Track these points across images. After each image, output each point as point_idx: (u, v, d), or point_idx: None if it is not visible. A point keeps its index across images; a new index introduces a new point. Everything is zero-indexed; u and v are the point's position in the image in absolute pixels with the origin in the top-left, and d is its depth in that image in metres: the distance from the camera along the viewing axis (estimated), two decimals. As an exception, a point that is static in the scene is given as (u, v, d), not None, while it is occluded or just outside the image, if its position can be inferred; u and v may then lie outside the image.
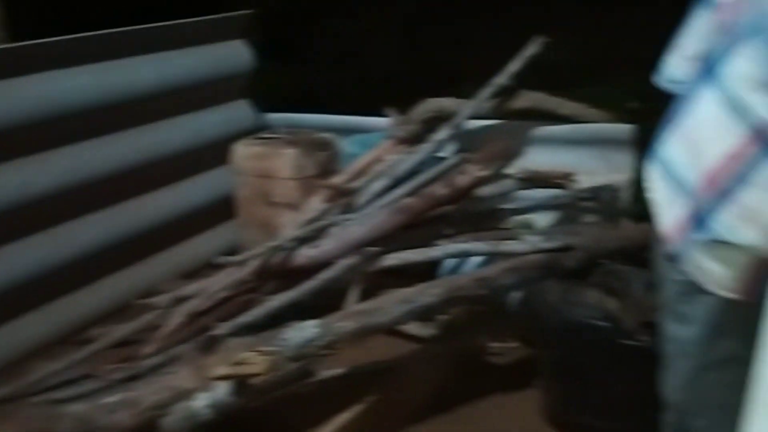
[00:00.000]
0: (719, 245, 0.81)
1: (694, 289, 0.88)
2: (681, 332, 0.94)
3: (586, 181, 2.01)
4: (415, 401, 1.78)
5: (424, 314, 1.65)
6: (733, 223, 0.79)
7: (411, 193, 1.74)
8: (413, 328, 1.86)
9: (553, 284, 1.79)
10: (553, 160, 2.07)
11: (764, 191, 0.61)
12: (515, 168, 2.05)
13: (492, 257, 1.87)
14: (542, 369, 1.82)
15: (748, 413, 0.62)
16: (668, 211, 0.88)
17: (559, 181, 2.03)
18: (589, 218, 2.02)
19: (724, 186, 0.78)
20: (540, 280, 1.81)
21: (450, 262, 2.03)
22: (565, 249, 1.81)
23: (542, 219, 2.08)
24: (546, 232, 1.89)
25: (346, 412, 1.60)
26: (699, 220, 0.83)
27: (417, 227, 1.76)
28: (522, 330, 1.94)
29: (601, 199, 1.97)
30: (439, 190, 1.71)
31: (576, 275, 1.79)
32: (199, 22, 2.30)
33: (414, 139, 2.00)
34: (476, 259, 1.97)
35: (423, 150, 1.92)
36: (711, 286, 0.85)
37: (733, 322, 0.82)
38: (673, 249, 0.88)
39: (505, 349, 1.98)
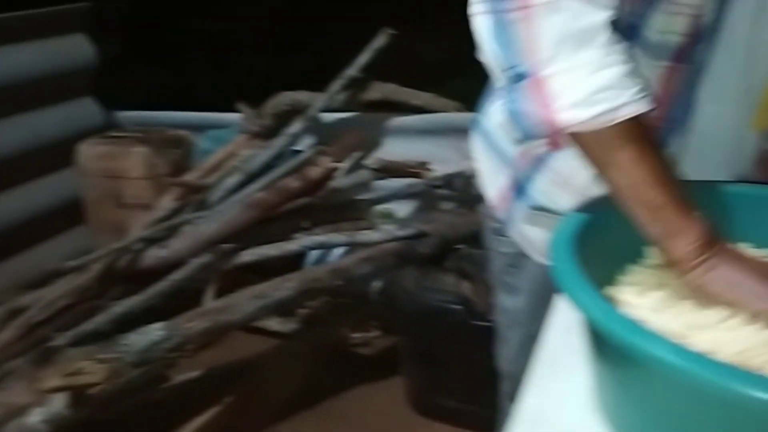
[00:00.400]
0: (538, 212, 0.84)
1: (519, 259, 0.91)
2: (510, 303, 0.96)
3: (440, 169, 2.05)
4: (278, 398, 1.75)
5: (279, 309, 1.63)
6: (549, 189, 0.82)
7: (265, 188, 1.71)
8: (274, 324, 1.83)
9: (410, 271, 1.82)
10: (407, 150, 2.10)
11: (573, 157, 0.64)
12: (371, 159, 2.07)
13: (351, 248, 1.88)
14: (404, 356, 1.85)
15: (531, 371, 0.65)
16: (492, 182, 0.90)
17: (414, 170, 2.07)
18: (445, 205, 2.06)
19: (538, 154, 0.81)
20: (397, 268, 1.84)
21: (315, 255, 2.03)
22: (420, 236, 1.84)
23: (400, 208, 2.11)
24: (402, 221, 1.92)
25: (202, 415, 1.55)
26: (519, 188, 0.85)
27: (272, 221, 1.73)
28: (383, 319, 1.96)
29: (454, 186, 2.01)
30: (292, 183, 1.69)
31: (432, 261, 1.83)
32: (34, 15, 2.16)
33: (268, 134, 1.96)
34: (340, 251, 1.98)
35: (277, 144, 1.89)
36: (534, 255, 0.88)
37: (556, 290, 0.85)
38: (498, 219, 0.90)
39: (368, 339, 1.99)
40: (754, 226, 0.67)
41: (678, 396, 0.47)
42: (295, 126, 1.92)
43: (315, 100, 1.98)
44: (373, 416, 1.81)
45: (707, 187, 0.69)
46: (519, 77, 0.60)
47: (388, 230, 1.86)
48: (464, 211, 2.10)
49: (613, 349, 0.50)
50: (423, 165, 2.07)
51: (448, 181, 2.03)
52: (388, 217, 2.08)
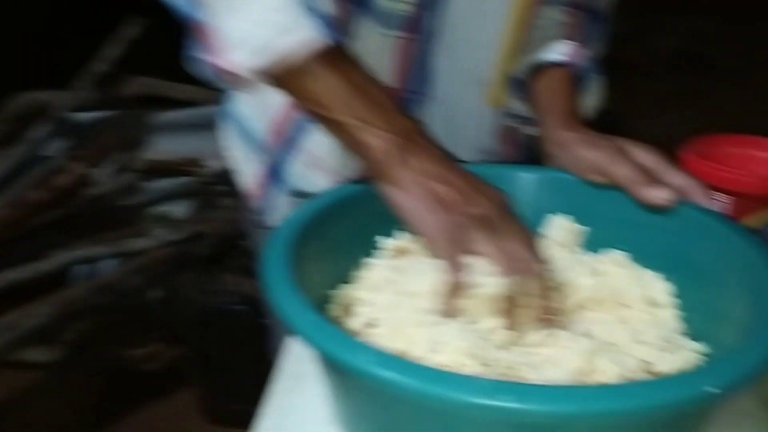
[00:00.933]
0: (298, 197, 0.81)
1: None
2: None
3: (214, 164, 1.95)
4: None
5: (37, 338, 1.45)
6: (304, 172, 0.78)
7: (2, 204, 1.50)
8: (35, 354, 1.63)
9: (190, 276, 1.72)
10: (177, 147, 1.97)
11: (324, 137, 0.61)
12: (136, 160, 1.91)
13: (121, 258, 1.73)
14: (192, 365, 1.76)
15: (272, 385, 0.61)
16: (247, 169, 0.84)
17: (185, 168, 1.94)
18: (223, 202, 1.97)
19: (289, 135, 0.76)
20: (175, 274, 1.73)
21: (83, 271, 1.84)
22: (196, 237, 1.74)
23: (176, 209, 1.98)
24: (177, 223, 1.79)
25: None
26: (275, 173, 0.81)
27: (16, 241, 1.53)
28: (166, 329, 1.84)
29: (231, 181, 1.92)
30: (34, 194, 1.50)
31: (212, 262, 1.74)
32: None
33: (6, 140, 1.73)
34: (111, 264, 1.81)
35: (18, 152, 1.67)
36: None
37: None
38: (257, 210, 0.85)
39: (151, 354, 1.86)
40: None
41: (394, 408, 0.44)
42: (39, 130, 1.71)
43: (60, 99, 1.77)
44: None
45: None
46: (194, 23, 0.58)
47: (161, 235, 1.73)
48: (243, 206, 2.02)
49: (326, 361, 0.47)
50: (195, 161, 1.96)
51: (224, 176, 1.93)
52: (164, 220, 1.94)
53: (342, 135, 0.59)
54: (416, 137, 0.58)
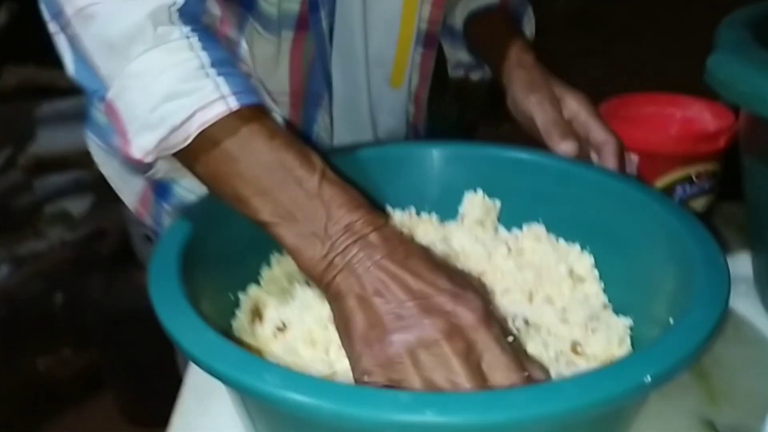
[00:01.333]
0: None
1: None
2: None
3: (111, 155, 1.83)
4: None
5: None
6: (194, 183, 0.70)
7: None
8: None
9: (95, 276, 1.62)
10: (69, 139, 1.83)
11: None
12: (24, 156, 1.77)
13: (17, 264, 1.60)
14: (107, 369, 1.67)
15: (180, 399, 0.55)
16: (126, 186, 0.76)
17: (79, 160, 1.81)
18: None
19: None
20: (78, 276, 1.62)
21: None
22: (97, 235, 1.63)
23: (72, 206, 1.85)
24: (73, 221, 1.68)
25: None
26: (160, 188, 0.72)
27: None
28: (74, 335, 1.73)
29: (131, 171, 1.81)
30: None
31: (118, 260, 1.64)
32: None
33: None
34: (6, 269, 1.68)
35: None
36: None
37: None
38: (148, 225, 0.77)
39: (61, 361, 1.75)
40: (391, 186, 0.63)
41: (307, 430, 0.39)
42: None
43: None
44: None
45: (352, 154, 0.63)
46: (104, 103, 0.47)
47: (59, 235, 1.61)
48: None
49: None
50: (89, 153, 1.83)
51: (124, 166, 1.82)
52: (61, 219, 1.81)
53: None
54: (365, 231, 0.43)
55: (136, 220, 0.79)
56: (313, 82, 0.69)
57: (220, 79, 0.44)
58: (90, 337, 1.65)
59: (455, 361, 0.38)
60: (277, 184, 0.44)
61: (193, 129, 0.43)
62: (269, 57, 0.65)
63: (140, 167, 0.48)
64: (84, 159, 1.92)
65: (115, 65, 0.45)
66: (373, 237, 0.43)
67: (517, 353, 0.40)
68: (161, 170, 0.49)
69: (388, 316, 0.40)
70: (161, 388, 1.56)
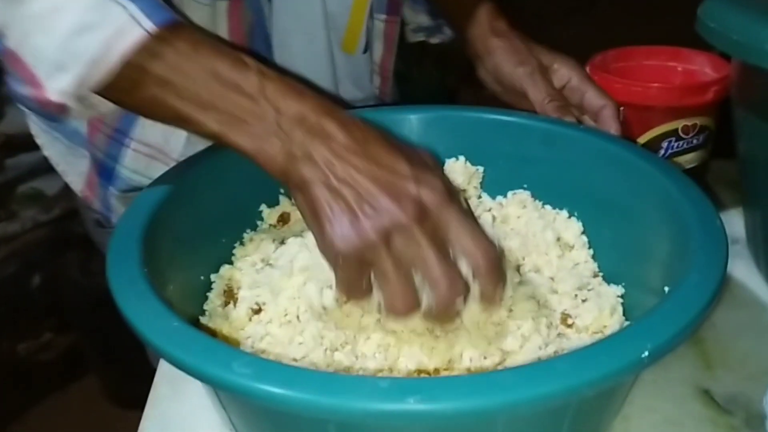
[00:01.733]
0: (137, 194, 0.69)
1: None
2: None
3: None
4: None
5: None
6: (142, 165, 0.67)
7: None
8: None
9: (71, 257, 1.58)
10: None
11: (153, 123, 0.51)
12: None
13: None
14: (89, 350, 1.64)
15: (154, 386, 0.53)
16: (71, 168, 0.71)
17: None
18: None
19: (114, 125, 0.65)
20: (55, 257, 1.58)
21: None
22: (72, 214, 1.59)
23: (45, 186, 1.80)
24: (47, 201, 1.63)
25: None
26: (105, 171, 0.68)
27: None
28: (54, 316, 1.70)
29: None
30: None
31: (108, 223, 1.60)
32: None
33: None
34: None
35: None
36: None
37: None
38: (95, 210, 0.73)
39: (43, 344, 1.72)
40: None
41: (282, 421, 0.37)
42: None
43: None
44: (68, 421, 1.60)
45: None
46: (5, 53, 0.44)
47: (33, 216, 1.57)
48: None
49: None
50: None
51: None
52: (34, 199, 1.76)
53: (207, 138, 0.44)
54: (318, 119, 0.42)
55: (86, 204, 0.75)
56: (253, 47, 0.65)
57: (128, 3, 0.41)
58: (70, 318, 1.62)
59: (425, 243, 0.38)
60: (216, 94, 0.42)
61: (113, 61, 0.41)
62: (206, 24, 0.62)
63: (58, 112, 0.44)
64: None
65: (8, 10, 0.42)
66: (328, 124, 0.41)
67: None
68: (74, 111, 0.45)
69: (357, 203, 0.39)
70: (145, 369, 1.55)
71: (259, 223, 0.57)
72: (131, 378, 1.64)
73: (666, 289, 0.41)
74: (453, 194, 0.41)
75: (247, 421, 0.40)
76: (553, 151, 0.56)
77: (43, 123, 0.70)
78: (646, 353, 0.33)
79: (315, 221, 0.40)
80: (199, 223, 0.51)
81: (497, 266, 0.39)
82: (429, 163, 0.42)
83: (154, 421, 0.49)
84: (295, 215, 0.57)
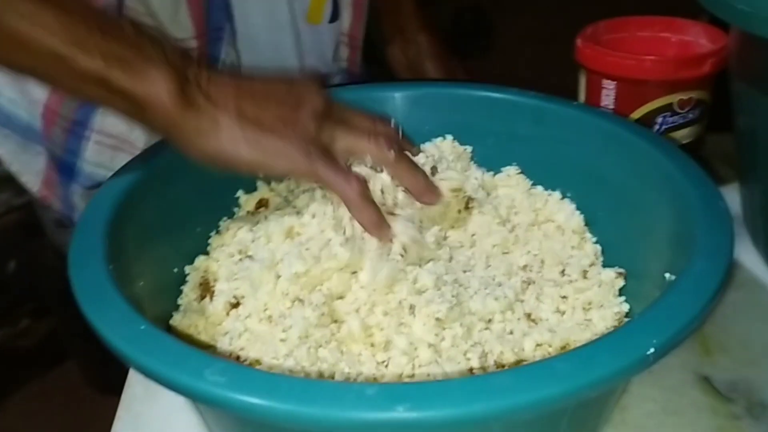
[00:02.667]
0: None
1: None
2: None
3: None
4: None
5: None
6: (105, 158, 0.63)
7: None
8: None
9: (45, 241, 1.54)
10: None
11: None
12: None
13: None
14: (68, 336, 1.61)
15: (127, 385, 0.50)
16: (25, 168, 0.67)
17: None
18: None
19: (71, 116, 0.61)
20: (29, 241, 1.54)
21: None
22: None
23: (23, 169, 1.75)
24: (19, 184, 1.59)
25: None
26: (65, 167, 0.64)
27: None
28: (32, 302, 1.66)
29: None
30: None
31: (70, 223, 1.56)
32: None
33: None
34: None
35: None
36: None
37: None
38: (56, 210, 0.69)
39: (21, 331, 1.69)
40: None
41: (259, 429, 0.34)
42: None
43: None
44: (52, 410, 1.58)
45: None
46: None
47: (4, 200, 1.52)
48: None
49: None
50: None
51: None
52: (6, 182, 1.71)
53: (93, 93, 0.41)
54: (190, 66, 0.42)
55: (44, 204, 0.71)
56: (213, 17, 0.61)
57: None
58: (47, 304, 1.59)
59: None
60: (96, 30, 0.39)
61: None
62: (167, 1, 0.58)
63: None
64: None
65: None
66: (215, 73, 0.42)
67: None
68: None
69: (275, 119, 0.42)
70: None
71: (235, 210, 0.54)
72: (112, 363, 1.62)
73: (667, 275, 0.39)
74: (332, 103, 0.45)
75: (224, 427, 0.38)
76: (545, 129, 0.53)
77: None
78: (652, 350, 0.31)
79: (239, 155, 0.41)
80: (170, 212, 0.48)
81: (393, 134, 0.46)
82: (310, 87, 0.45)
83: (127, 422, 0.47)
84: (274, 201, 0.54)
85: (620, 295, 0.46)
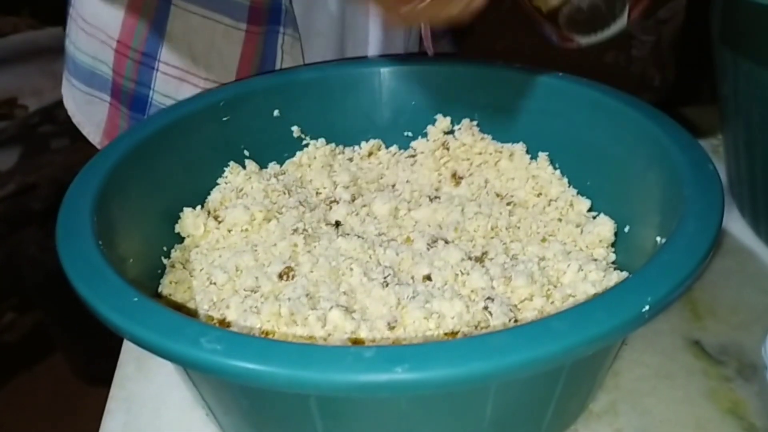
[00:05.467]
0: None
1: None
2: None
3: (34, 102, 1.71)
4: None
5: None
6: (170, 88, 0.63)
7: None
8: None
9: (28, 233, 1.52)
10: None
11: (186, 36, 0.54)
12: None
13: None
14: (54, 329, 1.60)
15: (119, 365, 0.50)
16: (88, 118, 0.68)
17: (2, 110, 1.69)
18: (54, 144, 1.74)
19: (143, 49, 0.61)
20: (10, 235, 1.52)
21: None
22: (27, 189, 1.53)
23: (0, 160, 1.73)
24: (0, 177, 1.56)
25: None
26: (139, 99, 0.64)
27: None
28: (15, 296, 1.65)
29: (58, 118, 1.70)
30: None
31: (50, 214, 1.54)
32: None
33: None
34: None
35: None
36: None
37: None
38: None
39: (9, 323, 1.67)
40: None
41: (254, 397, 0.34)
42: None
43: None
44: (40, 403, 1.57)
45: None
46: None
47: (-15, 193, 1.50)
48: (80, 144, 1.80)
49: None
50: (11, 101, 1.70)
51: (49, 114, 1.69)
52: (-14, 175, 1.69)
53: None
54: None
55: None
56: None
57: None
58: (32, 297, 1.57)
59: None
60: None
61: None
62: None
63: None
64: (5, 108, 1.79)
65: None
66: None
67: None
68: None
69: None
70: (114, 344, 1.52)
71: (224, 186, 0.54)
72: (99, 353, 1.61)
73: (659, 239, 0.39)
74: None
75: (220, 399, 0.37)
76: (531, 100, 0.53)
77: (68, 69, 0.67)
78: (647, 307, 0.31)
79: None
80: (157, 188, 0.48)
81: None
82: None
83: (120, 402, 0.46)
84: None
85: (612, 263, 0.46)
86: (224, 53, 0.60)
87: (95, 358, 1.61)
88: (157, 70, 0.62)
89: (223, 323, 0.40)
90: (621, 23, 0.43)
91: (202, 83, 0.61)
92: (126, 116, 0.65)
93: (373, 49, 0.65)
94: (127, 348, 0.51)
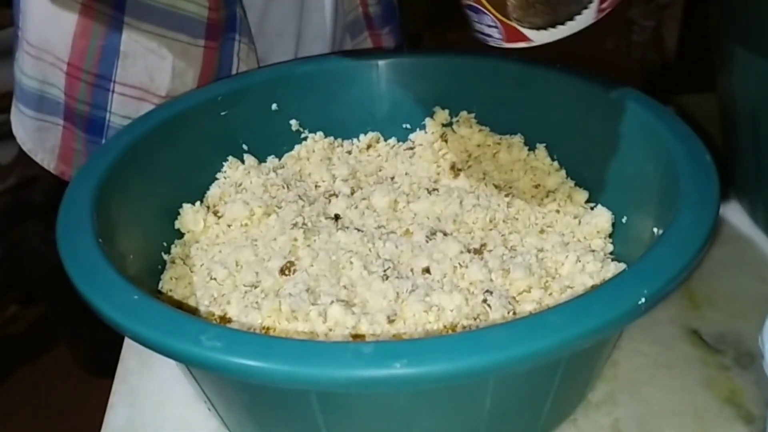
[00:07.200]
0: None
1: None
2: None
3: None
4: None
5: None
6: (130, 109, 0.62)
7: None
8: None
9: (32, 226, 1.53)
10: None
11: (142, 55, 0.53)
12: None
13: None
14: (58, 321, 1.60)
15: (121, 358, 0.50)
16: (39, 145, 0.67)
17: (1, 103, 1.68)
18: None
19: (96, 71, 0.60)
20: (13, 227, 1.53)
21: None
22: (28, 182, 1.53)
23: (1, 154, 1.73)
24: (1, 170, 1.57)
25: None
26: (95, 123, 0.63)
27: None
28: (18, 288, 1.65)
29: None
30: None
31: (52, 207, 1.54)
32: None
33: None
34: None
35: None
36: None
37: None
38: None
39: (13, 316, 1.68)
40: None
41: (254, 393, 0.34)
42: None
43: None
44: (43, 396, 1.57)
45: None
46: None
47: (-14, 186, 1.51)
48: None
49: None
50: (10, 95, 1.69)
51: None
52: (-13, 168, 1.69)
53: None
54: None
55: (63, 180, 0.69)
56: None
57: None
58: (35, 290, 1.58)
59: None
60: None
61: None
62: None
63: None
64: (4, 101, 1.79)
65: None
66: None
67: None
68: None
69: None
70: (117, 336, 1.52)
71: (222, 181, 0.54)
72: (103, 345, 1.62)
73: (656, 230, 0.40)
74: None
75: (222, 395, 0.38)
76: (529, 92, 0.53)
77: (16, 96, 0.66)
78: (643, 300, 0.31)
79: None
80: (156, 185, 0.48)
81: None
82: None
83: (123, 396, 0.47)
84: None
85: (610, 254, 0.46)
86: (183, 70, 0.59)
87: (99, 349, 1.62)
88: (113, 92, 0.61)
89: (224, 319, 0.40)
90: (588, 15, 0.35)
91: (162, 101, 0.60)
92: (83, 139, 0.64)
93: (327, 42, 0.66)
94: (130, 342, 0.51)
